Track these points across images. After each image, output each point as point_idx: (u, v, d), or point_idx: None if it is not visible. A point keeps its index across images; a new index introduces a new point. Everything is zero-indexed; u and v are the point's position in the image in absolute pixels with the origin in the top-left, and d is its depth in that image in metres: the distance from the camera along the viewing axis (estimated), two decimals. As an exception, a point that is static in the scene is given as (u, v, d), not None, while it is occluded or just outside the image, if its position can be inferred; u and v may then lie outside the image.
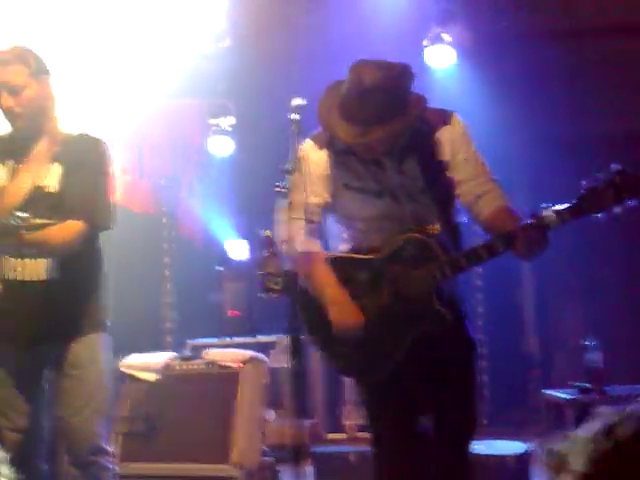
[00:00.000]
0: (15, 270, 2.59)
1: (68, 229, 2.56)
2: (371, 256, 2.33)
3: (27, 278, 2.60)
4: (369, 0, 4.49)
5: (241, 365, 3.52)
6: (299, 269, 2.29)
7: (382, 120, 2.22)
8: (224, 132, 5.06)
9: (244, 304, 4.66)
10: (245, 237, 4.91)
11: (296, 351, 2.25)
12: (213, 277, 4.73)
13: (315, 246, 2.40)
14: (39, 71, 2.64)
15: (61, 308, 2.63)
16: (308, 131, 2.44)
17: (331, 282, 2.33)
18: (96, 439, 2.65)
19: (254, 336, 4.47)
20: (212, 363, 3.62)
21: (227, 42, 4.87)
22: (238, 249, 4.82)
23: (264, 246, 3.27)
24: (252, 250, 4.88)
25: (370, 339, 2.29)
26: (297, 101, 2.34)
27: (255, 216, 4.93)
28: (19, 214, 2.37)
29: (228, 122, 5.03)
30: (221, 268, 4.67)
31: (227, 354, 3.66)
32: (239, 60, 4.94)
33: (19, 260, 2.59)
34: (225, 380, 3.52)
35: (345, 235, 2.41)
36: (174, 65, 4.94)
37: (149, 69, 4.89)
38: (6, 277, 2.59)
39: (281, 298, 3.35)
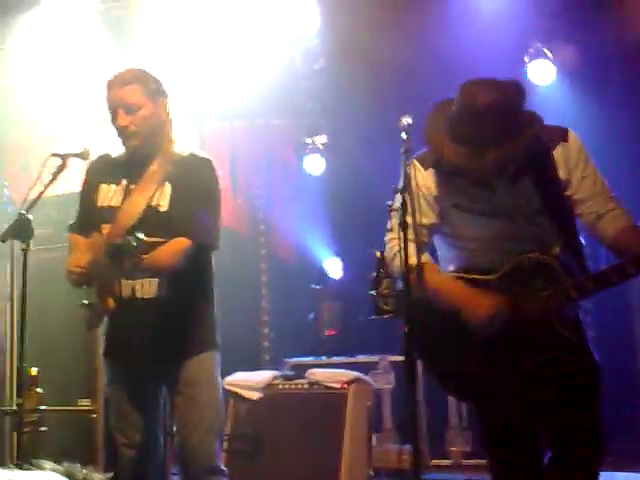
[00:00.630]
0: (130, 288, 2.69)
1: (174, 247, 2.63)
2: (485, 277, 2.32)
3: (139, 295, 2.70)
4: (468, 16, 4.49)
5: (346, 386, 3.55)
6: (417, 282, 2.29)
7: (496, 142, 2.20)
8: (317, 150, 5.15)
9: (340, 323, 4.70)
10: (339, 255, 4.96)
11: (410, 373, 2.25)
12: (309, 296, 4.80)
13: (428, 259, 2.41)
14: (156, 92, 2.73)
15: (173, 326, 2.71)
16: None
17: (456, 283, 2.32)
18: (212, 458, 2.72)
19: (352, 356, 4.49)
20: (316, 383, 3.66)
21: (321, 63, 4.97)
22: (333, 268, 4.88)
23: (375, 267, 3.30)
24: (346, 269, 4.93)
25: (487, 362, 2.27)
26: (406, 119, 2.35)
27: (349, 234, 5.00)
28: (138, 235, 2.45)
29: (321, 140, 5.12)
30: (317, 287, 4.73)
31: (331, 374, 3.69)
32: (332, 80, 5.04)
33: (134, 279, 2.68)
34: (330, 401, 3.55)
35: (453, 256, 2.41)
36: (268, 85, 5.07)
37: (244, 89, 5.04)
38: (121, 294, 2.70)
39: (390, 319, 3.36)
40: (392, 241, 2.49)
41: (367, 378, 3.71)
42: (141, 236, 2.40)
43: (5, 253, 4.61)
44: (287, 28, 5.06)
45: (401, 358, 4.30)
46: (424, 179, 2.43)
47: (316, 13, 5.08)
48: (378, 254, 3.32)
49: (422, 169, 2.45)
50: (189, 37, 5.19)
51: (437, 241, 2.50)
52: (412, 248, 2.34)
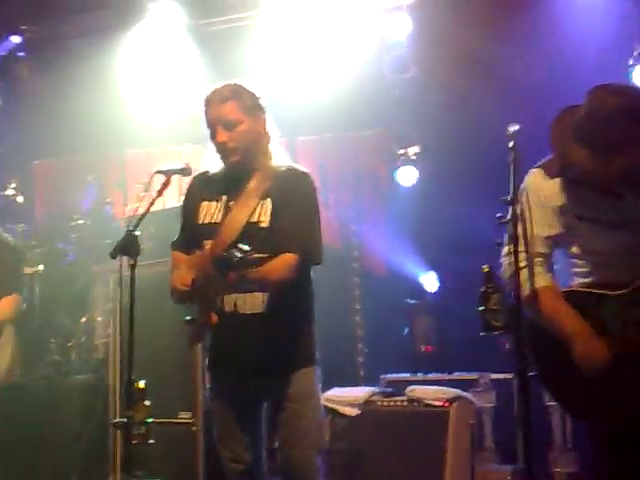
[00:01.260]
0: (233, 303, 2.75)
1: (283, 263, 2.66)
2: (611, 292, 2.26)
3: (244, 311, 2.75)
4: (569, 21, 4.41)
5: (448, 404, 3.51)
6: (532, 304, 2.26)
7: (624, 147, 2.16)
8: (409, 161, 5.13)
9: (437, 339, 4.65)
10: (434, 269, 4.92)
11: (524, 391, 2.20)
12: (404, 311, 4.77)
13: (548, 279, 2.36)
14: (253, 107, 2.78)
15: (277, 341, 2.75)
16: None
17: (572, 315, 2.27)
18: (314, 474, 2.75)
19: (450, 373, 4.43)
20: (417, 401, 3.63)
21: (412, 71, 4.96)
22: (428, 282, 4.84)
23: (483, 281, 3.26)
24: (442, 282, 4.88)
25: (610, 380, 2.21)
26: (513, 127, 2.33)
27: (444, 247, 4.95)
28: (243, 246, 2.48)
29: (413, 151, 5.11)
30: (412, 301, 4.70)
31: (432, 392, 3.66)
32: (423, 88, 5.02)
33: (237, 294, 2.76)
34: (432, 419, 3.52)
35: (576, 269, 2.35)
36: (358, 96, 5.11)
37: (332, 101, 5.09)
38: (224, 309, 2.77)
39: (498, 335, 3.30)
40: (509, 256, 2.45)
41: (469, 396, 3.65)
42: (247, 248, 2.44)
43: (106, 269, 4.82)
44: (377, 37, 5.09)
45: (502, 376, 4.23)
46: (549, 188, 2.39)
47: (406, 21, 5.09)
48: (486, 268, 3.27)
49: (547, 178, 2.41)
50: (277, 50, 5.30)
51: (558, 253, 2.45)
52: (530, 261, 2.28)
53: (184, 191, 3.04)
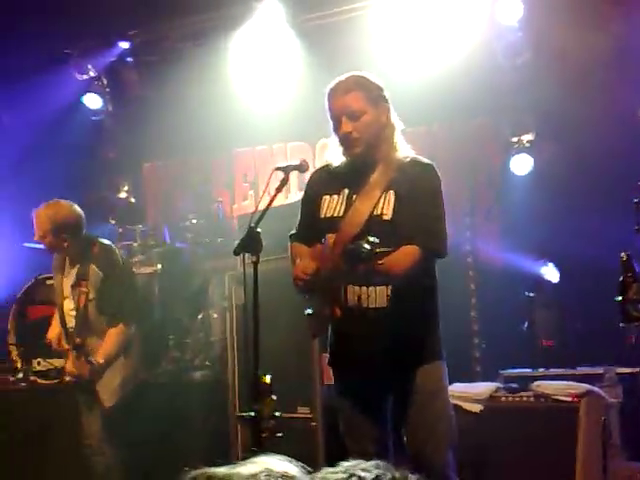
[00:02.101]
0: (356, 297, 2.80)
1: (406, 256, 2.69)
2: None
3: (368, 305, 2.79)
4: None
5: (577, 399, 3.45)
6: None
7: None
8: (524, 149, 5.05)
9: (558, 332, 4.56)
10: (554, 260, 4.81)
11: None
12: (522, 304, 4.70)
13: None
14: (378, 98, 2.81)
15: (402, 336, 2.78)
16: None
17: None
18: (445, 469, 2.77)
19: (573, 367, 4.34)
20: (543, 396, 3.59)
21: (525, 56, 4.88)
22: (548, 273, 4.75)
23: (622, 270, 3.18)
24: (562, 274, 4.77)
25: None
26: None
27: (563, 236, 4.83)
28: (371, 239, 2.52)
29: (528, 138, 5.02)
30: (531, 294, 4.62)
31: (560, 387, 3.60)
32: (537, 74, 4.93)
33: (361, 287, 2.80)
34: (560, 415, 3.47)
35: None
36: (469, 84, 5.06)
37: (443, 89, 5.06)
38: (347, 303, 2.82)
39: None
40: None
41: (599, 391, 3.57)
42: (376, 240, 2.47)
43: (221, 267, 4.99)
44: (488, 23, 5.03)
45: (629, 370, 4.10)
46: None
47: (518, 4, 5.01)
48: (624, 256, 3.19)
49: None
50: (383, 41, 5.30)
51: None
52: None
53: (298, 186, 3.13)
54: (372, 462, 1.12)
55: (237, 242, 2.84)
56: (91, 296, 3.98)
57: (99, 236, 4.23)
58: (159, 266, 4.91)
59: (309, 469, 1.11)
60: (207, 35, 6.22)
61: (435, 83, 5.05)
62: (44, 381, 4.82)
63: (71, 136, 6.68)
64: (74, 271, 4.07)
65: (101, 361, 3.94)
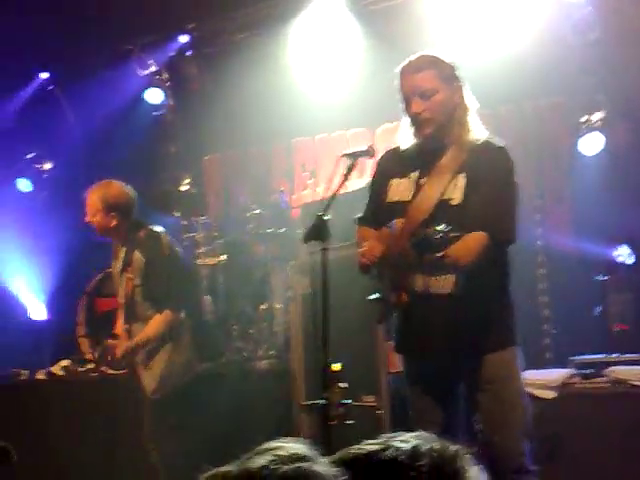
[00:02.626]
0: (423, 282, 2.76)
1: (474, 243, 2.62)
2: None
3: (436, 291, 2.74)
4: None
5: (654, 385, 3.34)
6: None
7: None
8: (594, 128, 4.89)
9: (633, 317, 4.41)
10: (628, 241, 4.65)
11: None
12: (594, 288, 4.57)
13: None
14: (451, 77, 2.75)
15: (471, 322, 2.72)
16: None
17: None
18: (520, 457, 2.71)
19: (649, 352, 4.19)
20: (620, 382, 3.48)
21: (595, 34, 4.72)
22: (622, 255, 4.59)
23: None
24: (637, 257, 4.61)
25: None
26: None
27: (635, 217, 4.67)
28: (441, 228, 2.47)
29: (598, 117, 4.85)
30: (604, 277, 4.49)
31: (636, 372, 3.49)
32: (608, 51, 4.76)
33: (428, 273, 2.75)
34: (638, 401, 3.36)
35: None
36: (537, 63, 4.92)
37: (508, 70, 4.94)
38: (414, 289, 2.78)
39: None
40: None
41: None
42: (446, 229, 2.42)
43: (284, 257, 5.00)
44: (555, 1, 4.88)
45: None
46: None
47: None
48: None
49: None
50: (446, 21, 5.19)
51: None
52: None
53: (366, 173, 3.09)
54: (412, 433, 1.08)
55: (305, 231, 2.83)
56: (136, 282, 3.97)
57: (151, 223, 4.17)
58: (223, 257, 4.94)
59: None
60: (265, 25, 6.22)
61: (500, 65, 4.93)
62: (114, 371, 4.92)
63: (133, 131, 6.79)
64: (122, 256, 4.06)
65: (132, 344, 3.91)
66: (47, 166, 7.63)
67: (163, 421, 3.99)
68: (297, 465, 0.99)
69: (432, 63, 2.75)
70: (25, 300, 6.81)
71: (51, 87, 7.21)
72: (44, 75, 7.19)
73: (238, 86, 6.30)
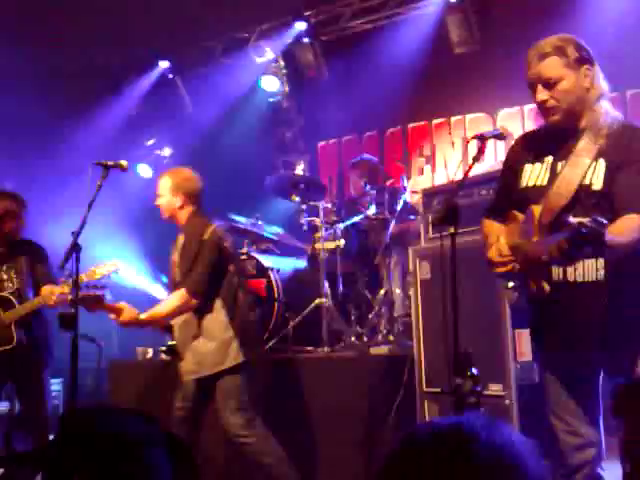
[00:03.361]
0: (561, 271, 2.66)
1: (631, 223, 2.47)
2: None
3: (575, 279, 2.65)
4: None
5: None
6: None
7: None
8: None
9: None
10: None
11: None
12: None
13: None
14: (578, 61, 2.64)
15: (617, 311, 2.61)
16: None
17: None
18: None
19: None
20: None
21: None
22: None
23: None
24: None
25: None
26: None
27: None
28: (598, 218, 2.34)
29: None
30: None
31: None
32: None
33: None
34: None
35: None
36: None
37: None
38: (554, 278, 2.69)
39: None
40: None
41: None
42: (603, 221, 2.31)
43: (402, 242, 4.98)
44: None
45: None
46: None
47: None
48: None
49: None
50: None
51: None
52: None
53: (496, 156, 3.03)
54: None
55: (434, 214, 2.81)
56: (176, 261, 4.03)
57: (211, 218, 4.10)
58: (341, 242, 4.97)
59: None
60: (380, 11, 6.20)
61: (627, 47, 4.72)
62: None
63: (249, 118, 6.93)
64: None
65: (142, 317, 3.86)
66: (167, 152, 7.92)
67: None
68: None
69: (557, 49, 2.64)
70: (147, 282, 7.10)
71: (171, 76, 7.46)
72: (164, 64, 7.44)
73: (354, 72, 6.32)
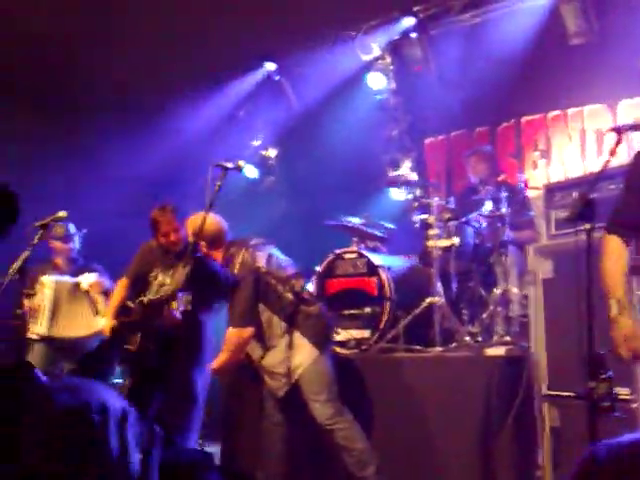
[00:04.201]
0: None
1: None
2: None
3: None
4: None
5: None
6: None
7: None
8: None
9: None
10: None
11: None
12: None
13: None
14: None
15: None
16: None
17: None
18: None
19: None
20: None
21: None
22: None
23: None
24: None
25: None
26: None
27: None
28: None
29: None
30: None
31: None
32: None
33: None
34: None
35: None
36: None
37: None
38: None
39: None
40: None
41: None
42: None
43: (520, 240, 4.84)
44: None
45: None
46: None
47: None
48: None
49: None
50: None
51: None
52: None
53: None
54: None
55: (568, 211, 2.71)
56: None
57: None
58: (455, 239, 4.88)
59: None
60: (490, 3, 6.06)
61: None
62: (344, 351, 5.05)
63: (355, 115, 6.91)
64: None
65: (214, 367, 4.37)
66: (272, 153, 8.01)
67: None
68: None
69: None
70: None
71: (277, 77, 7.53)
72: (271, 65, 7.53)
73: (463, 66, 6.20)
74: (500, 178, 5.45)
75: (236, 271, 4.20)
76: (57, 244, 5.51)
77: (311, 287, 5.22)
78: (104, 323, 4.98)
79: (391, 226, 5.67)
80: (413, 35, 6.48)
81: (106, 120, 7.15)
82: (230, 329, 4.19)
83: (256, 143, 7.95)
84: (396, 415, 4.53)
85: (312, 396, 4.17)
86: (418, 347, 4.86)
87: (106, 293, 5.39)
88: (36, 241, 4.20)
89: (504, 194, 4.98)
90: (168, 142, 7.31)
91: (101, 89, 7.02)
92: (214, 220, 4.29)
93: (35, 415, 1.43)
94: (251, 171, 7.98)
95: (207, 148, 7.19)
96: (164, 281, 4.83)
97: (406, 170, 6.66)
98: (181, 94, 7.38)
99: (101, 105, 7.11)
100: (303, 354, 4.20)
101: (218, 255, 4.32)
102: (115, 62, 6.63)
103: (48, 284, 5.37)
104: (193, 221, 4.31)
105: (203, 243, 4.26)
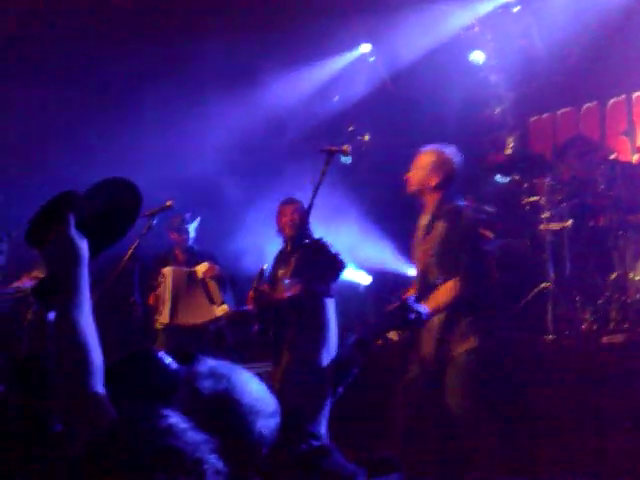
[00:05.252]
0: None
1: None
2: None
3: None
4: None
5: None
6: None
7: None
8: None
9: None
10: None
11: None
12: None
13: None
14: None
15: None
16: None
17: None
18: None
19: None
20: None
21: None
22: None
23: None
24: None
25: None
26: None
27: None
28: None
29: None
30: None
31: None
32: None
33: None
34: None
35: None
36: None
37: None
38: None
39: None
40: None
41: None
42: None
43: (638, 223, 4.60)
44: None
45: None
46: None
47: None
48: None
49: None
50: None
51: None
52: None
53: None
54: None
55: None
56: (432, 252, 4.00)
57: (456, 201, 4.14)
58: (569, 222, 4.69)
59: None
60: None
61: None
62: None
63: (457, 95, 6.73)
64: (424, 224, 4.11)
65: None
66: (366, 138, 7.91)
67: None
68: None
69: None
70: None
71: (372, 59, 7.42)
72: (366, 47, 7.43)
73: (569, 38, 5.94)
74: (612, 157, 5.21)
75: (465, 226, 4.02)
76: (174, 235, 5.66)
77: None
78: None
79: (492, 210, 5.49)
80: (515, 9, 6.25)
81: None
82: (455, 281, 3.89)
83: (351, 129, 7.86)
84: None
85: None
86: (529, 334, 4.72)
87: (219, 279, 5.50)
88: (145, 231, 4.29)
89: (620, 173, 4.75)
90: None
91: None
92: (457, 158, 4.12)
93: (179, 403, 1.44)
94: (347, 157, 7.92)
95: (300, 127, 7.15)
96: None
97: (509, 150, 6.47)
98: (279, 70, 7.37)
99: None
100: None
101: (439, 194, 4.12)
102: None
103: (169, 275, 5.53)
104: (440, 150, 4.13)
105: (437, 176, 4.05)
